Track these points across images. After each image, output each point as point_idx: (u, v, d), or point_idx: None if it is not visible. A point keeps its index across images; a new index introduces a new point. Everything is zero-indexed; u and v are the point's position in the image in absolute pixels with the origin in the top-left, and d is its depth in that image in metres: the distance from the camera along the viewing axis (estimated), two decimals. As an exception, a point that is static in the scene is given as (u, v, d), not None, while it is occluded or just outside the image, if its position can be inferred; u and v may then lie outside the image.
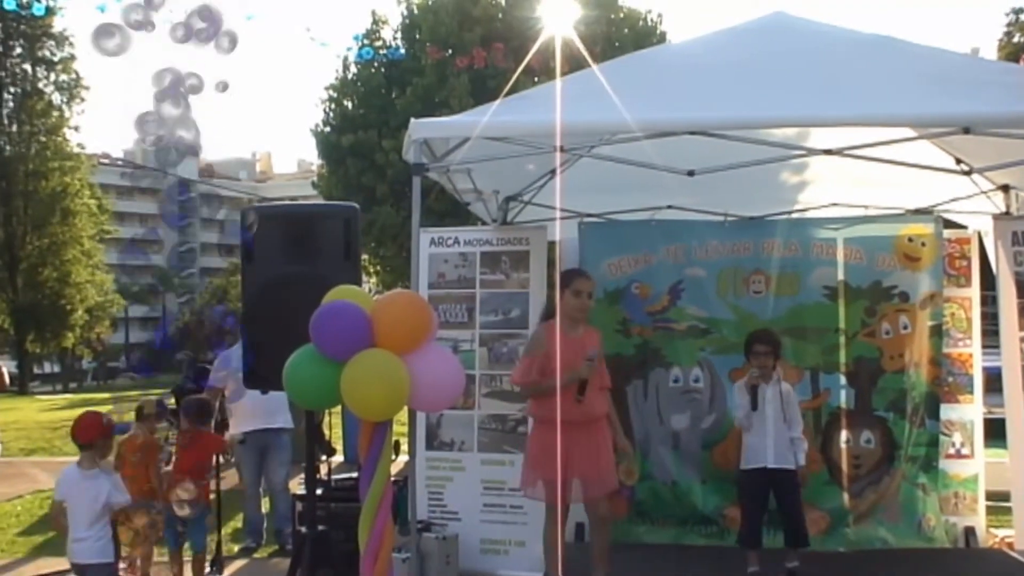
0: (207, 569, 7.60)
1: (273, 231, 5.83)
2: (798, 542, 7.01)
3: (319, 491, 6.91)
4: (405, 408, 5.30)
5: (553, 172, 7.68)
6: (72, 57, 42.18)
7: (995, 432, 8.16)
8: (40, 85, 41.90)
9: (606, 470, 6.39)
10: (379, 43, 26.98)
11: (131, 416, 7.38)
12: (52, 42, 41.47)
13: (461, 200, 7.75)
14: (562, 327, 6.36)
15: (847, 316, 8.20)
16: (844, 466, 8.17)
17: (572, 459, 6.20)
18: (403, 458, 6.79)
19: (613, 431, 6.58)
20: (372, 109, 25.47)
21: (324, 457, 8.83)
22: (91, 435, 6.21)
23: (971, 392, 8.30)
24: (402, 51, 25.08)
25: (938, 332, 8.14)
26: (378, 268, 26.79)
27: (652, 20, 28.08)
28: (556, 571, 6.35)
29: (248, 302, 5.83)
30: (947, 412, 8.21)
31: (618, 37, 25.69)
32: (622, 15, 27.52)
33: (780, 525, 7.17)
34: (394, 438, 5.20)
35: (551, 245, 8.02)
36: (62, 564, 8.12)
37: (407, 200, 6.33)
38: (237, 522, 9.48)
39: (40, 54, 41.55)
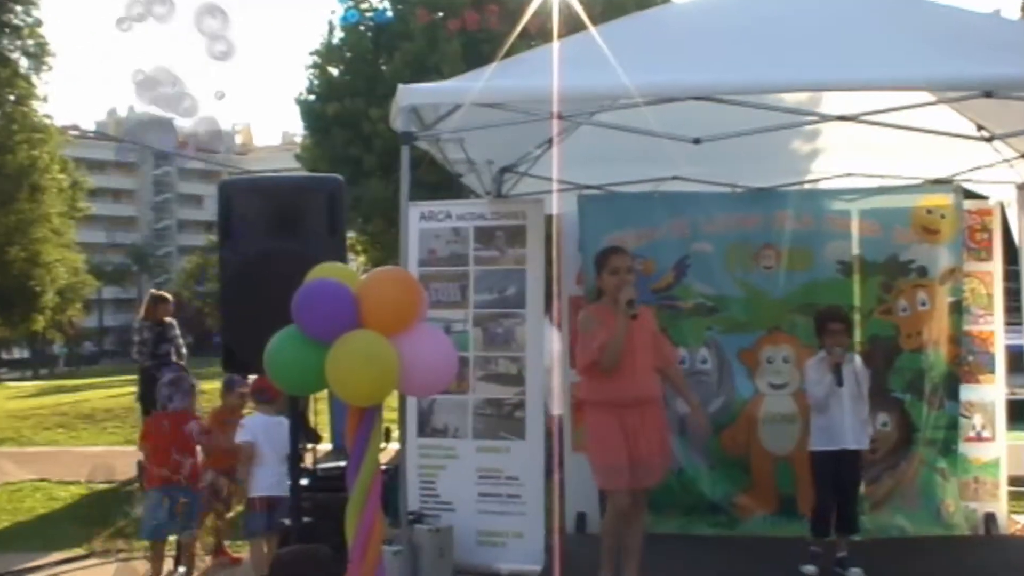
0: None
1: (253, 205, 5.88)
2: (852, 529, 6.94)
3: (304, 481, 6.85)
4: (395, 392, 5.17)
5: (550, 141, 7.46)
6: (39, 22, 41.39)
7: (1018, 414, 8.16)
8: (5, 52, 41.19)
9: (665, 452, 6.39)
10: (365, 6, 26.56)
11: None
12: (18, 6, 40.72)
13: (453, 171, 7.57)
14: (610, 309, 6.22)
15: (862, 292, 8.05)
16: (860, 450, 8.01)
17: (631, 442, 6.09)
18: (393, 445, 6.62)
19: (691, 407, 6.63)
20: (359, 76, 25.04)
21: (309, 445, 8.65)
22: (276, 392, 6.88)
23: (992, 372, 8.14)
24: (390, 14, 24.62)
25: (958, 309, 7.96)
26: (367, 246, 26.49)
27: (656, -19, 27.84)
28: (611, 566, 6.27)
29: (226, 281, 5.79)
30: (967, 393, 8.03)
31: (619, -4, 25.37)
32: (623, -27, 27.24)
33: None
34: (384, 424, 5.03)
35: (548, 219, 7.80)
36: (32, 560, 7.96)
37: (396, 173, 6.22)
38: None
39: (4, 18, 40.78)
